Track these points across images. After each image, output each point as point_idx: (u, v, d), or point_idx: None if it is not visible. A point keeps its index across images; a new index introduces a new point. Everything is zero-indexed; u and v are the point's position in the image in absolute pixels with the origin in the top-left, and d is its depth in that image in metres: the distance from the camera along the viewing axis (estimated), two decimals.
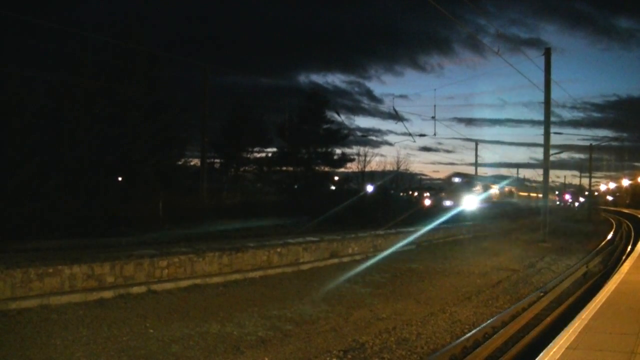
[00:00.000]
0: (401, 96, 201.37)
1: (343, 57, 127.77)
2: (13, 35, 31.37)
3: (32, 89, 27.59)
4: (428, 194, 54.09)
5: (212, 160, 42.21)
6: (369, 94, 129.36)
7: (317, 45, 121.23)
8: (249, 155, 44.99)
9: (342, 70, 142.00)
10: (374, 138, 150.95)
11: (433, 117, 31.39)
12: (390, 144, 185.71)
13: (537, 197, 46.43)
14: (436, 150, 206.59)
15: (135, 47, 30.62)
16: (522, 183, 65.69)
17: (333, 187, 47.17)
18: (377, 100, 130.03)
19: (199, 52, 68.44)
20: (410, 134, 65.16)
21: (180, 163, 34.62)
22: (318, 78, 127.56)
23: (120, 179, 29.06)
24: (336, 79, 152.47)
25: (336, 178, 47.95)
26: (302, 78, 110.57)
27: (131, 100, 32.53)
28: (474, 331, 8.77)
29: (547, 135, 26.18)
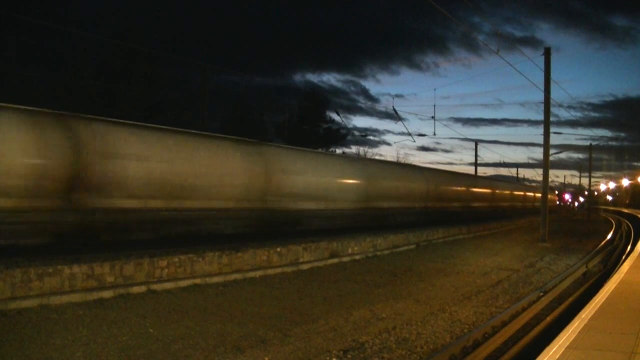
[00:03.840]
0: (397, 95, 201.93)
1: (338, 55, 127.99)
2: (13, 35, 31.39)
3: (32, 89, 27.61)
4: None
5: None
6: (365, 93, 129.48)
7: (312, 44, 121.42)
8: None
9: (337, 69, 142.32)
10: (372, 138, 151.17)
11: (433, 117, 31.42)
12: (388, 144, 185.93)
13: None
14: (434, 150, 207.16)
15: (135, 47, 30.64)
16: None
17: None
18: (374, 99, 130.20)
19: (199, 52, 68.38)
20: (409, 134, 65.39)
21: None
22: (313, 77, 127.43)
23: None
24: (332, 78, 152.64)
25: None
26: (298, 77, 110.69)
27: (131, 100, 32.56)
28: (474, 331, 8.78)
29: (546, 134, 26.19)
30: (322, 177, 19.81)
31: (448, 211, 31.53)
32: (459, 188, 34.22)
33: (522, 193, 56.65)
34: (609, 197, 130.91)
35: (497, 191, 43.75)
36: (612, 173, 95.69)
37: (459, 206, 34.17)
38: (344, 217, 20.94)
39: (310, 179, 19.05)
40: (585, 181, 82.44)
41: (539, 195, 47.38)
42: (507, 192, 48.46)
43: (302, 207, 18.59)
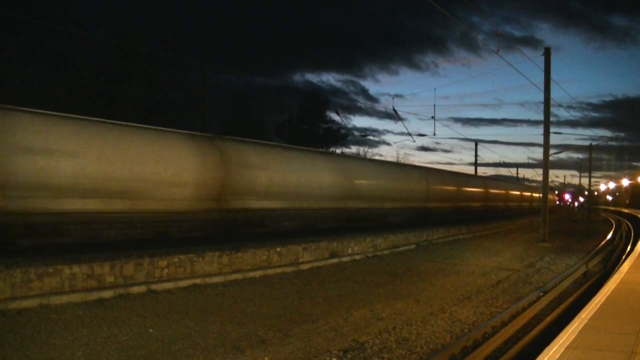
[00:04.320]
0: (397, 95, 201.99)
1: (338, 55, 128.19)
2: (13, 35, 31.41)
3: (32, 89, 27.61)
4: None
5: None
6: (364, 93, 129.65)
7: (312, 44, 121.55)
8: None
9: (336, 69, 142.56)
10: (371, 138, 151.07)
11: (433, 117, 31.39)
12: (388, 144, 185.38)
13: None
14: (434, 149, 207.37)
15: (135, 47, 30.64)
16: None
17: None
18: (373, 99, 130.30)
19: (199, 52, 68.43)
20: (409, 134, 65.23)
21: None
22: (313, 77, 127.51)
23: None
24: (331, 78, 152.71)
25: None
26: (297, 77, 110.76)
27: (131, 100, 32.55)
28: (474, 331, 8.78)
29: (546, 134, 26.19)
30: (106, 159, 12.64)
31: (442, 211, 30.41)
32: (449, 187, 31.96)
33: (522, 193, 56.61)
34: (609, 197, 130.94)
35: (464, 189, 37.38)
36: (612, 173, 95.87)
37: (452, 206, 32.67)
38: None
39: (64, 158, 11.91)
40: (585, 181, 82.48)
41: (538, 195, 47.14)
42: (506, 192, 48.31)
43: (65, 207, 12.03)
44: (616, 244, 26.37)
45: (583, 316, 7.75)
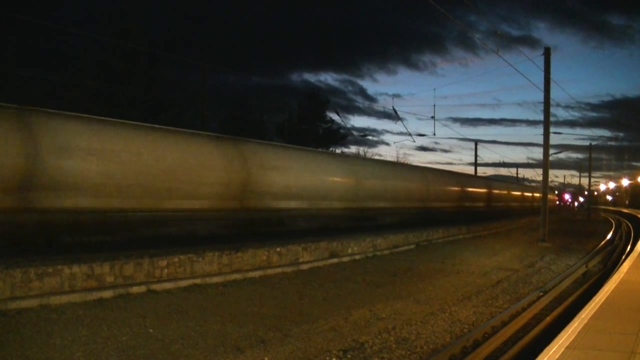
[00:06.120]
0: (395, 95, 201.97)
1: (335, 55, 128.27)
2: (13, 35, 31.43)
3: (32, 89, 27.60)
4: None
5: None
6: (363, 92, 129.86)
7: (310, 43, 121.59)
8: None
9: (334, 69, 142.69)
10: (370, 138, 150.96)
11: (433, 117, 31.42)
12: (387, 144, 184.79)
13: None
14: (433, 149, 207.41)
15: (135, 47, 30.64)
16: None
17: None
18: (371, 99, 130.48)
19: (199, 52, 68.42)
20: (409, 134, 65.08)
21: None
22: (310, 76, 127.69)
23: None
24: (329, 77, 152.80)
25: None
26: (295, 77, 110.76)
27: (131, 100, 32.55)
28: (473, 331, 8.78)
29: (546, 135, 26.19)
30: None
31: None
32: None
33: (522, 193, 56.59)
34: (609, 197, 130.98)
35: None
36: (611, 173, 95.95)
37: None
38: None
39: None
40: (585, 181, 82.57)
41: (538, 195, 46.97)
42: (507, 192, 48.28)
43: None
44: (616, 244, 26.38)
45: (583, 316, 7.75)
